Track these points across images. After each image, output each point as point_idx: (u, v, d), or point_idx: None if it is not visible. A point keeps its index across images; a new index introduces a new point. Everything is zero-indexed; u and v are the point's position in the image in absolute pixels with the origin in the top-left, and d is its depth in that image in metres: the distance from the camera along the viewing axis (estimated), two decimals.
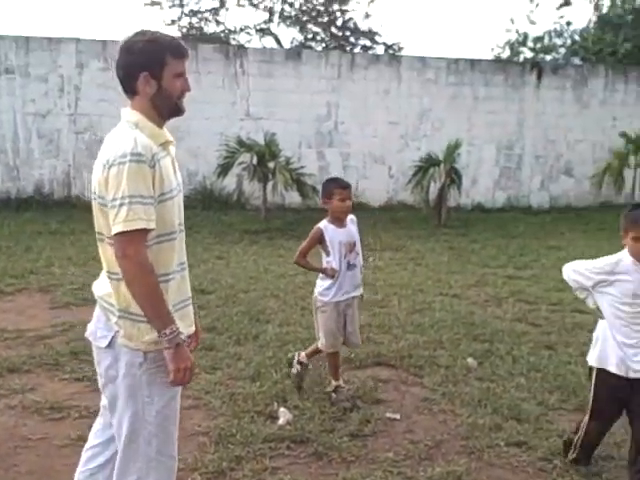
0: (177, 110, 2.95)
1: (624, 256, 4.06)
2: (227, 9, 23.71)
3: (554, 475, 4.24)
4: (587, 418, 4.21)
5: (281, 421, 4.82)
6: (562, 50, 24.12)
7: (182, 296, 2.99)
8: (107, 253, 2.84)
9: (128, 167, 2.66)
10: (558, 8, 23.82)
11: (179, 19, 23.35)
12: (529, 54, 24.86)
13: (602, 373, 4.10)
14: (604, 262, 4.11)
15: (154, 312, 2.75)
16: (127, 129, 2.80)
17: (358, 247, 5.21)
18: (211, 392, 5.26)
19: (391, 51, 23.31)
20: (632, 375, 4.02)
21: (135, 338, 2.83)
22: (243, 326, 6.91)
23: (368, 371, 5.86)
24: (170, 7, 23.18)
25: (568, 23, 24.55)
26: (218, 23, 23.87)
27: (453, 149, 13.82)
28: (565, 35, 24.59)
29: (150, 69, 2.82)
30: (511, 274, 9.64)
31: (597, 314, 4.23)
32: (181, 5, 23.17)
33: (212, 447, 4.38)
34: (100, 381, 3.01)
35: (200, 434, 4.58)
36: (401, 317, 7.40)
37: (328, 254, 5.13)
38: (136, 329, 2.82)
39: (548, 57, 24.01)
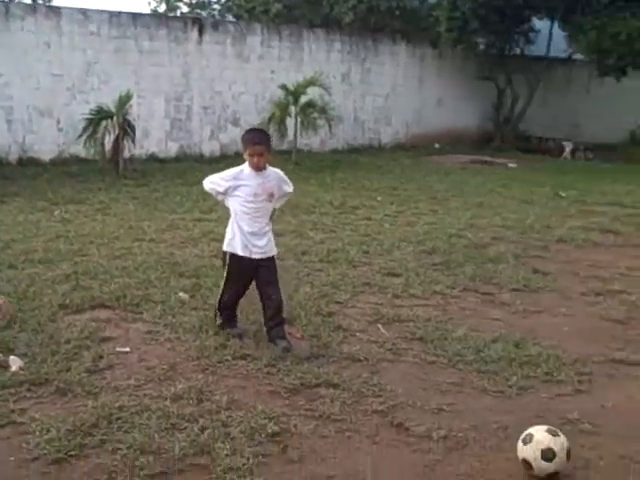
0: None
1: (245, 167, 5.38)
2: None
3: (280, 376, 4.85)
4: (222, 287, 5.51)
5: (14, 368, 4.80)
6: (217, 7, 24.96)
7: None
8: None
9: None
10: None
11: None
12: (185, 9, 25.35)
13: (233, 256, 5.39)
14: (231, 172, 5.44)
15: None
16: None
17: None
18: None
19: (40, 1, 22.19)
20: (255, 256, 5.38)
21: None
22: None
23: (87, 314, 5.95)
24: None
25: None
26: None
27: (124, 101, 13.83)
28: None
29: None
30: (199, 217, 10.10)
31: (230, 213, 5.47)
32: None
33: None
34: None
35: None
36: (104, 263, 7.49)
37: None
38: None
39: (204, 13, 24.70)
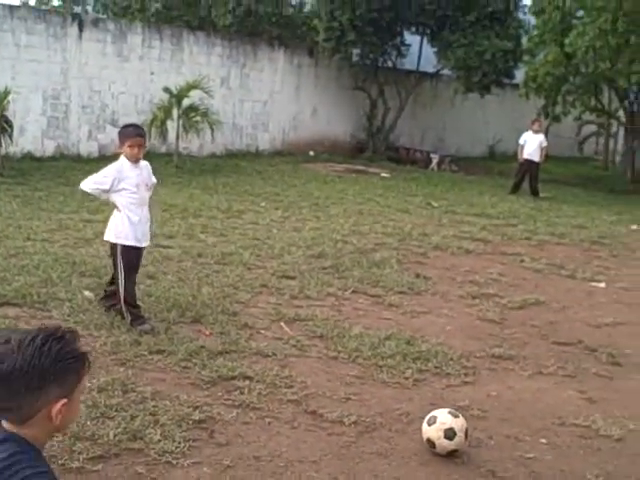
0: None
1: (123, 161, 5.85)
2: None
3: (197, 369, 5.16)
4: (122, 281, 5.82)
5: None
6: (91, 1, 24.57)
7: None
8: None
9: None
10: None
11: None
12: (56, 2, 24.84)
13: (122, 247, 5.80)
14: (111, 167, 5.86)
15: None
16: None
17: None
18: None
19: None
20: (143, 244, 6.00)
21: None
22: None
23: None
24: None
25: None
26: None
27: (3, 97, 13.55)
28: None
29: None
30: (88, 218, 10.11)
31: (115, 207, 5.88)
32: None
33: None
34: None
35: None
36: (0, 262, 7.48)
37: None
38: None
39: (77, 8, 24.24)
